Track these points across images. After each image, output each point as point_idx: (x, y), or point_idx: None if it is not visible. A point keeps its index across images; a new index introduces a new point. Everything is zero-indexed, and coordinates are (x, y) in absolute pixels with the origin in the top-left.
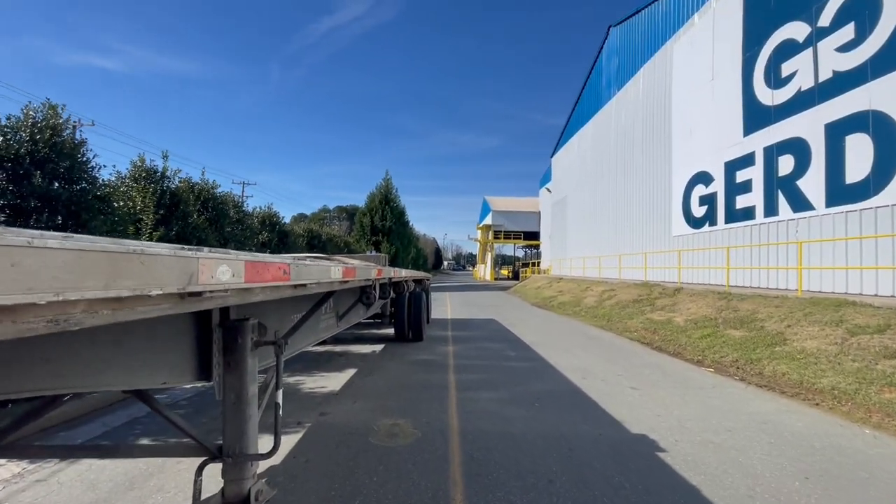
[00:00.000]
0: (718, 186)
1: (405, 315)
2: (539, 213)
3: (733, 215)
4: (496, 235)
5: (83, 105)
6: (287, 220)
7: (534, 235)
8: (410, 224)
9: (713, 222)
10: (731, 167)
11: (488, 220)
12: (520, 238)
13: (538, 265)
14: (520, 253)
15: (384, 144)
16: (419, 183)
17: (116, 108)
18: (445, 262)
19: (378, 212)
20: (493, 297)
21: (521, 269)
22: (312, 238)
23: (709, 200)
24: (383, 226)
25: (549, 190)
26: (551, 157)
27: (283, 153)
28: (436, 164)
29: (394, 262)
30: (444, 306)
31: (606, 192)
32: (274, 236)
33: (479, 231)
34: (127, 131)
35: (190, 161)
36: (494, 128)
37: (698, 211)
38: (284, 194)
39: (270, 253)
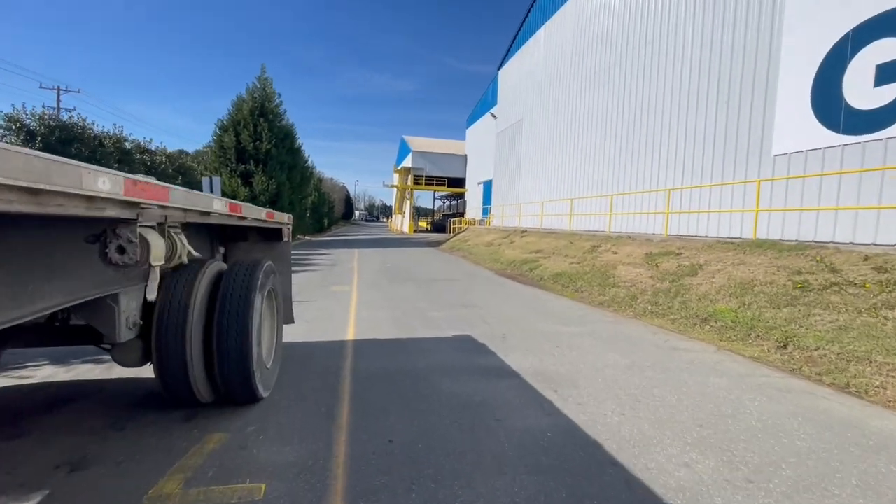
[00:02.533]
0: None
1: (187, 337)
2: (465, 156)
3: None
4: (416, 180)
5: None
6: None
7: (459, 183)
8: (307, 156)
9: None
10: None
11: (407, 163)
12: (443, 184)
13: (463, 216)
14: (438, 203)
15: (287, 79)
16: (330, 126)
17: None
18: (357, 213)
19: (249, 127)
20: (428, 259)
21: (449, 221)
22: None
23: None
24: (257, 149)
25: (493, 115)
26: (498, 68)
27: (165, 80)
28: (348, 105)
29: (275, 208)
30: (347, 283)
31: (602, 101)
32: None
33: (397, 175)
34: None
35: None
36: (412, 71)
37: (873, 96)
38: (166, 128)
39: None
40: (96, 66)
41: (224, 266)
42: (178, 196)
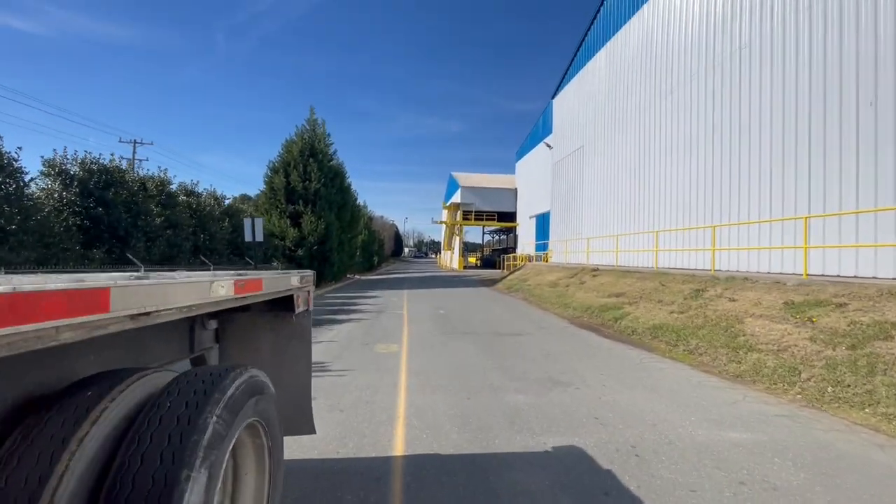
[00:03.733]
0: None
1: None
2: (515, 190)
3: None
4: (465, 216)
5: None
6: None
7: (508, 217)
8: (356, 194)
9: None
10: None
11: (456, 198)
12: (493, 219)
13: (514, 251)
14: (487, 238)
15: (341, 126)
16: (379, 167)
17: (41, 77)
18: (406, 250)
19: (298, 168)
20: (486, 302)
21: (501, 257)
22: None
23: None
24: (306, 189)
25: (548, 145)
26: (552, 97)
27: (233, 132)
28: (397, 148)
29: (325, 248)
30: (395, 339)
31: (686, 119)
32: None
33: (446, 211)
34: (56, 103)
35: (114, 130)
36: (458, 112)
37: None
38: (232, 175)
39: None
40: (174, 121)
41: (167, 379)
42: None
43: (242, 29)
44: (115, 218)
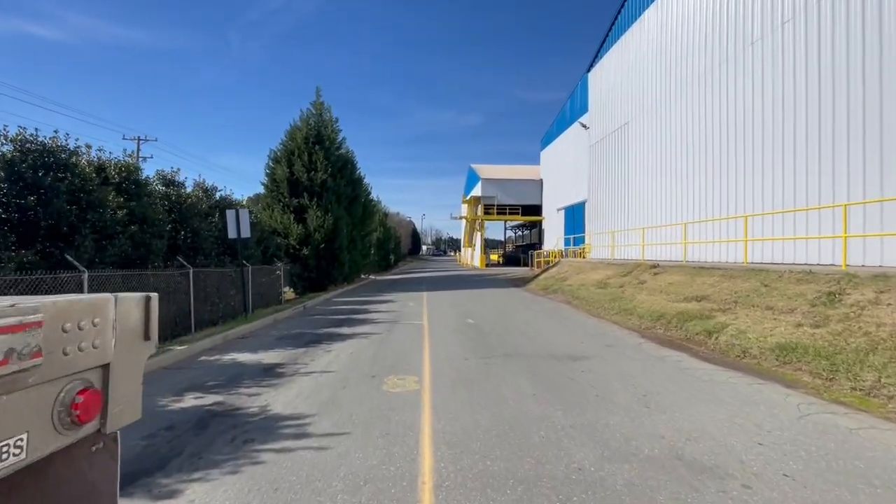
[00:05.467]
0: None
1: None
2: (540, 181)
3: None
4: (487, 210)
5: (16, 76)
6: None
7: (533, 210)
8: (368, 187)
9: None
10: None
11: (476, 192)
12: (516, 213)
13: (540, 247)
14: (509, 234)
15: (357, 123)
16: (396, 164)
17: (58, 81)
18: (424, 247)
19: (303, 157)
20: (523, 308)
21: (529, 253)
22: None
23: None
24: (311, 180)
25: (583, 125)
26: (587, 71)
27: (246, 132)
28: (414, 144)
29: (333, 246)
30: (413, 367)
31: (775, 74)
32: None
33: (465, 206)
34: (75, 106)
35: (131, 132)
36: (476, 105)
37: None
38: (247, 174)
39: None
40: (190, 122)
41: None
42: None
43: (256, 27)
44: (56, 210)
